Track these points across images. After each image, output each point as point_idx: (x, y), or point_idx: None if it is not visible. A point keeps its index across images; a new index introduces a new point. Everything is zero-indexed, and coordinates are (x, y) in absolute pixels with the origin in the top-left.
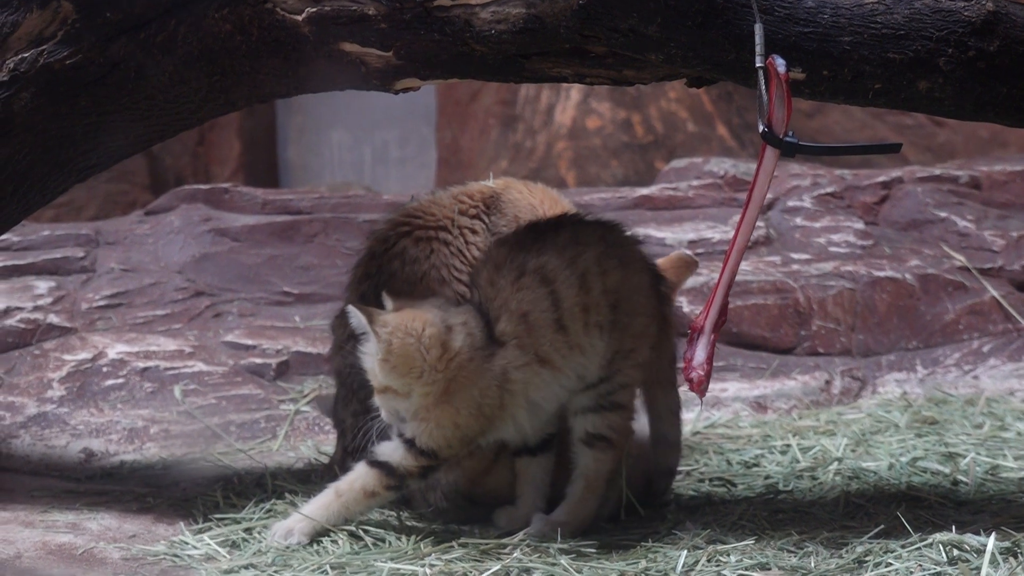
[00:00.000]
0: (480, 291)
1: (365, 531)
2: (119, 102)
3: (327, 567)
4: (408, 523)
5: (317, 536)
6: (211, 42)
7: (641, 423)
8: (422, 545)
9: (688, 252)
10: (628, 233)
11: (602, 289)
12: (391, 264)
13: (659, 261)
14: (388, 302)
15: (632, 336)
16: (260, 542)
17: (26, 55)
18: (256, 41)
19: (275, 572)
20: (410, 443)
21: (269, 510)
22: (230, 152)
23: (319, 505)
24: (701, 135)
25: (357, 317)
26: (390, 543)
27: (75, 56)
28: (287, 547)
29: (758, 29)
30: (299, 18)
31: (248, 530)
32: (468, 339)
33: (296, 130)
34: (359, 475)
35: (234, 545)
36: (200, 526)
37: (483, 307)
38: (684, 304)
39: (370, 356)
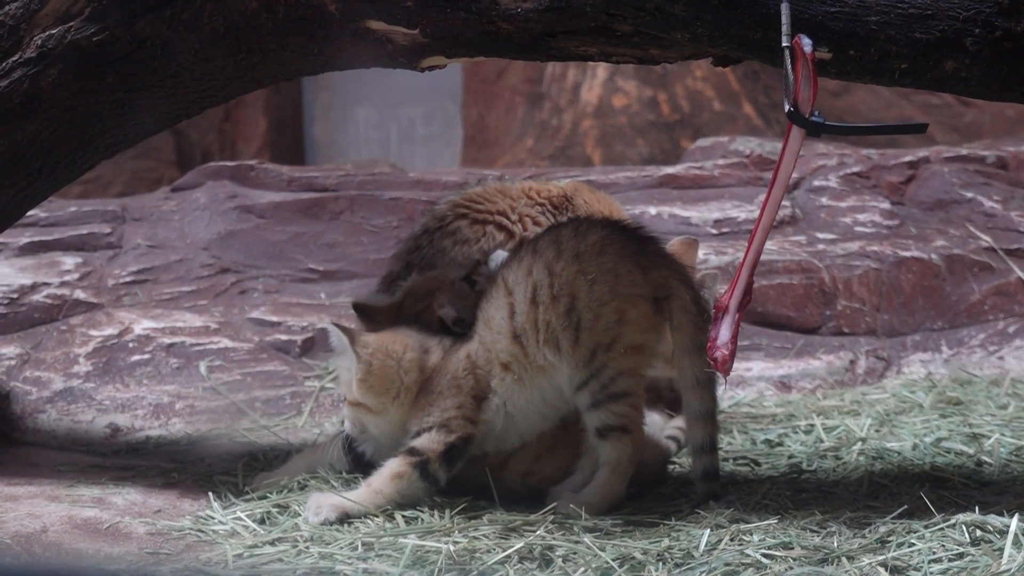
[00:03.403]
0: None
1: (399, 510)
2: (145, 79)
3: (358, 543)
4: (439, 499)
5: (349, 518)
6: (237, 19)
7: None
8: (451, 522)
9: (685, 236)
10: (595, 220)
11: (551, 296)
12: (443, 241)
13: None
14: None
15: (606, 329)
16: (287, 519)
17: (54, 32)
18: (282, 18)
19: (305, 547)
20: (421, 430)
21: (299, 485)
22: (256, 129)
23: (353, 493)
24: (727, 114)
25: (338, 337)
26: (422, 520)
27: (102, 33)
28: (318, 524)
29: (785, 8)
30: None
31: (280, 507)
32: (442, 353)
33: (322, 107)
34: (388, 463)
35: (260, 521)
36: (225, 502)
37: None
38: None
39: (347, 371)
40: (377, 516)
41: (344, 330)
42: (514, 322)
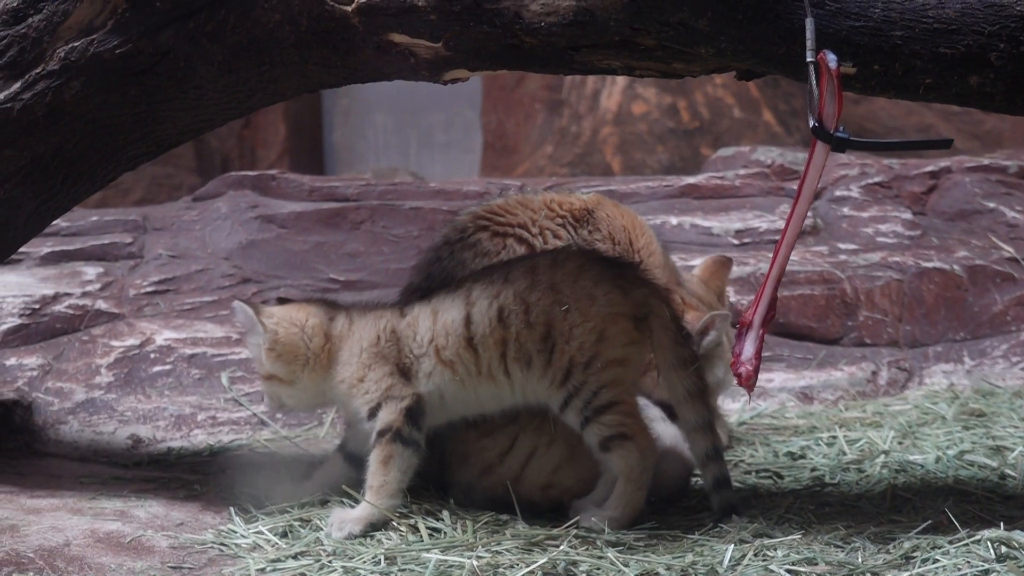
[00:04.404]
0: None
1: (423, 522)
2: (168, 91)
3: (380, 557)
4: (460, 512)
5: (373, 529)
6: (260, 32)
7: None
8: (473, 536)
9: (719, 254)
10: (573, 251)
11: (526, 323)
12: (463, 253)
13: (696, 270)
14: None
15: (580, 348)
16: (310, 533)
17: (76, 44)
18: (305, 31)
19: (328, 562)
20: (373, 410)
21: (319, 500)
22: (276, 135)
23: (368, 497)
24: (747, 121)
25: (243, 311)
26: (445, 534)
27: (125, 45)
28: (343, 539)
29: (809, 23)
30: (348, 9)
31: (303, 520)
32: (348, 322)
33: (341, 113)
34: (371, 457)
35: (282, 535)
36: (247, 515)
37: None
38: (732, 294)
39: (256, 346)
40: (400, 528)
41: (249, 303)
42: (471, 330)
